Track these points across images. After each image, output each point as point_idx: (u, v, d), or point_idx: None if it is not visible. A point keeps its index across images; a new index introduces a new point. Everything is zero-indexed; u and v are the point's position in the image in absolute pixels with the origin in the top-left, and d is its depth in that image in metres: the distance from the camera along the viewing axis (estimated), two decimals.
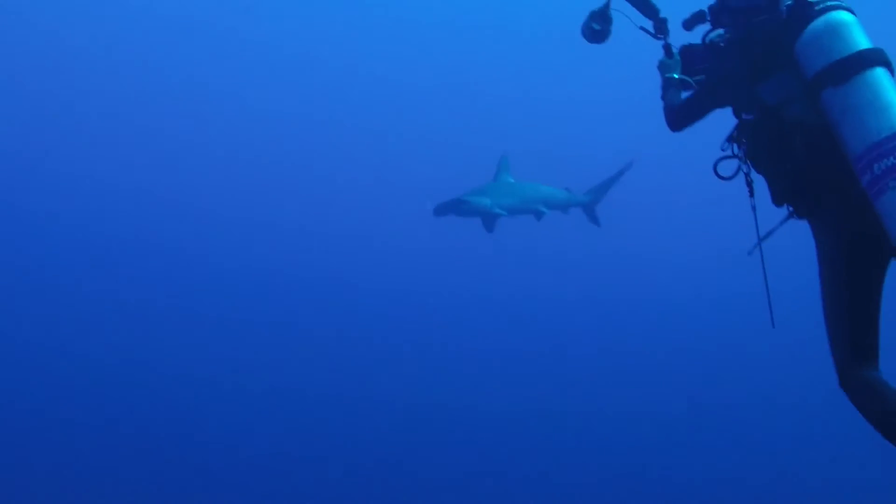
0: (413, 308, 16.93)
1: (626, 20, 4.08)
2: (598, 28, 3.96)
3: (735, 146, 3.42)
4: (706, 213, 19.46)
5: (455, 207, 10.72)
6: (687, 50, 3.92)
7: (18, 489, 9.10)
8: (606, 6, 3.99)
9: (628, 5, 4.00)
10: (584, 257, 17.67)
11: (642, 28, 3.98)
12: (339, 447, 11.18)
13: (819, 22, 3.06)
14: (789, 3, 3.23)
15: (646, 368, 13.70)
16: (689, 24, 3.94)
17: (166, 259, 18.57)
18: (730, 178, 3.46)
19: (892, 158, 2.79)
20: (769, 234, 3.36)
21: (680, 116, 3.67)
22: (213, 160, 22.29)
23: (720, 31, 3.85)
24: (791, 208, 3.23)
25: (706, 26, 3.98)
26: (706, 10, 3.66)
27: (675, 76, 3.82)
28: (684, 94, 3.80)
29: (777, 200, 3.28)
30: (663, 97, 3.82)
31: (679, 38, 4.31)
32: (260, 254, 19.21)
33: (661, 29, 3.93)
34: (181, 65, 24.18)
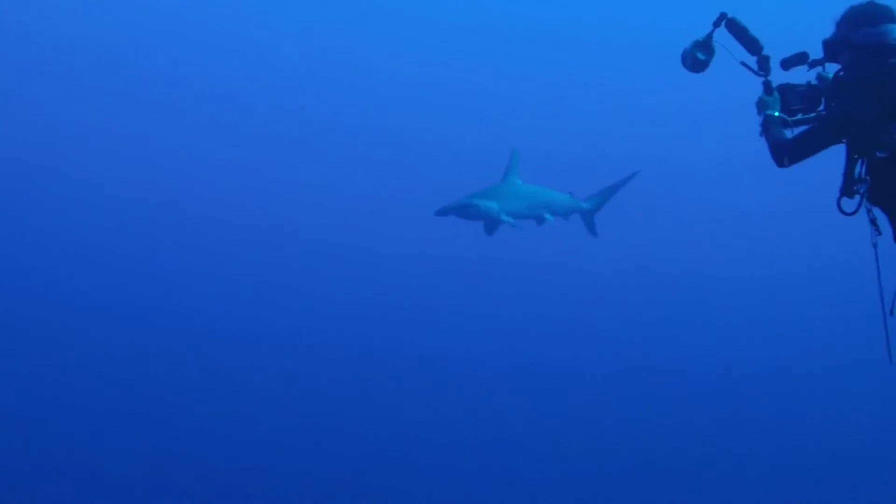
0: (415, 315, 16.84)
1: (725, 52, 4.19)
2: (702, 58, 4.01)
3: (858, 184, 3.44)
4: (713, 224, 19.86)
5: (461, 210, 10.05)
6: (785, 89, 4.00)
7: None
8: (710, 37, 4.05)
9: (731, 38, 4.08)
10: (594, 266, 17.76)
11: (743, 63, 4.03)
12: (332, 454, 11.05)
13: None
14: None
15: (657, 385, 13.72)
16: (788, 64, 4.00)
17: (162, 264, 18.40)
18: (852, 214, 3.50)
19: None
20: None
21: (793, 153, 3.68)
22: (216, 163, 22.10)
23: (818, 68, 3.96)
24: None
25: (803, 68, 4.08)
26: (825, 44, 3.69)
27: (776, 114, 3.89)
28: (787, 131, 3.87)
29: None
30: (765, 134, 3.86)
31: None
32: (259, 258, 19.09)
33: (763, 66, 3.99)
34: (173, 66, 23.94)
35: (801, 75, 4.08)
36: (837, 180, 3.73)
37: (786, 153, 3.72)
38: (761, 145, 4.40)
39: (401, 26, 25.63)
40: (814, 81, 3.94)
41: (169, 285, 17.63)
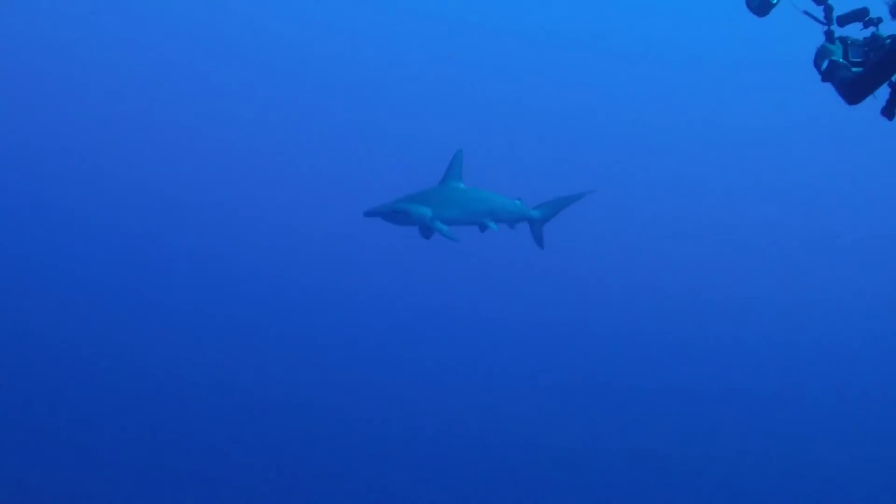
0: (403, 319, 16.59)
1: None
2: (774, 1, 4.10)
3: None
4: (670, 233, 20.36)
5: (389, 215, 9.32)
6: (843, 41, 4.15)
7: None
8: None
9: None
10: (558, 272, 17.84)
11: (806, 13, 4.15)
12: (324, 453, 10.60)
13: None
14: None
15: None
16: (844, 21, 4.16)
17: (156, 259, 17.81)
18: None
19: None
20: None
21: (863, 87, 3.82)
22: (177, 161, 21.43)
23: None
24: None
25: (857, 25, 4.25)
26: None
27: (841, 60, 4.02)
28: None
29: None
30: (831, 78, 3.97)
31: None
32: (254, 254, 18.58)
33: (828, 15, 4.12)
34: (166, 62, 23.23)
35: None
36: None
37: (856, 89, 3.84)
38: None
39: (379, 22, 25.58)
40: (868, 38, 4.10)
41: (168, 281, 17.19)
